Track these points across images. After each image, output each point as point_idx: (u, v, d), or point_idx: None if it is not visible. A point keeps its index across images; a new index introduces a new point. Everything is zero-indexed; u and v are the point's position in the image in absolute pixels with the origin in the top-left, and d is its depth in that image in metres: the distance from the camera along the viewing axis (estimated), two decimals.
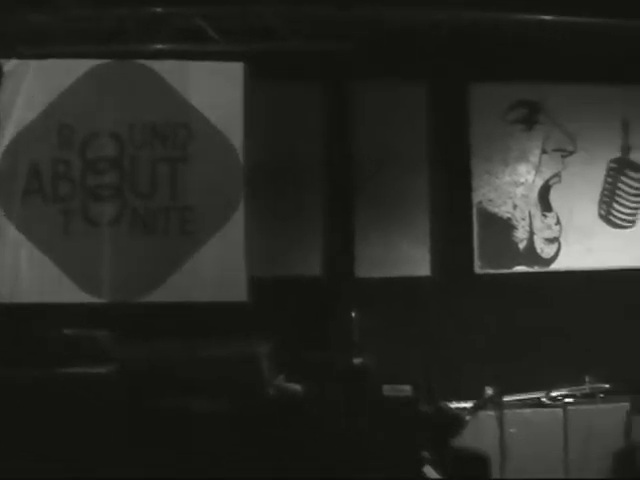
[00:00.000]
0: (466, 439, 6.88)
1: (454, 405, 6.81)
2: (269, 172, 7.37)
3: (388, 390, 6.36)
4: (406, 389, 6.36)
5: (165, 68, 7.38)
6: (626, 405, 7.40)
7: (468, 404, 6.78)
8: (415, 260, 7.66)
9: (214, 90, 7.45)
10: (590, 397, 7.28)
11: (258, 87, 7.35)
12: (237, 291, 7.27)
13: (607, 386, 7.29)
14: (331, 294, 7.41)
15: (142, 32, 7.15)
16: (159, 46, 7.25)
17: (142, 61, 7.36)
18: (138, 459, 5.74)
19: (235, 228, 7.31)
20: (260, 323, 6.93)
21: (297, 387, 6.51)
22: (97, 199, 7.34)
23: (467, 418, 6.67)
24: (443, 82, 7.75)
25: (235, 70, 7.42)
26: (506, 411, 6.80)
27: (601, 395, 7.28)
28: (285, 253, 7.44)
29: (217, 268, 7.34)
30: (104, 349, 6.38)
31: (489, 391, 6.71)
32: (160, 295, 7.26)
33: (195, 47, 7.29)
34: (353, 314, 6.50)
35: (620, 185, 7.97)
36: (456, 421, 6.56)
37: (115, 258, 7.28)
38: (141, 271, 7.30)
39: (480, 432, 6.80)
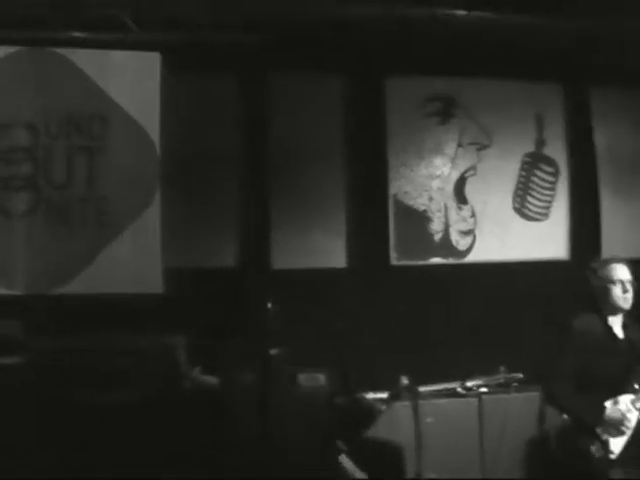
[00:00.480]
0: (381, 429, 6.95)
1: (369, 395, 6.83)
2: (185, 163, 7.31)
3: (303, 380, 6.39)
4: (321, 378, 6.39)
5: (81, 57, 7.26)
6: (539, 394, 7.54)
7: (383, 394, 6.81)
8: (331, 252, 7.68)
9: (131, 80, 7.37)
10: (504, 387, 7.37)
11: (175, 78, 7.29)
12: (152, 283, 7.20)
13: (521, 376, 7.39)
14: (247, 285, 7.38)
15: (58, 20, 7.04)
16: (75, 34, 7.15)
17: (57, 49, 7.25)
18: (48, 452, 5.69)
19: (151, 219, 7.25)
20: (176, 315, 6.90)
21: (213, 379, 6.50)
22: (10, 190, 7.22)
23: (382, 408, 6.71)
24: (360, 75, 7.79)
25: (152, 60, 7.35)
26: (421, 401, 6.80)
27: (515, 385, 7.38)
28: (201, 245, 7.39)
29: (132, 260, 7.26)
30: (17, 341, 6.32)
31: (404, 381, 6.75)
32: (75, 287, 7.15)
33: (112, 36, 7.21)
34: (269, 305, 6.48)
35: (534, 179, 8.09)
36: (371, 411, 6.60)
37: (29, 249, 7.16)
38: (56, 262, 7.18)
39: (395, 422, 6.83)
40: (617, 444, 5.40)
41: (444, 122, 7.91)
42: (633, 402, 5.43)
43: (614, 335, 5.60)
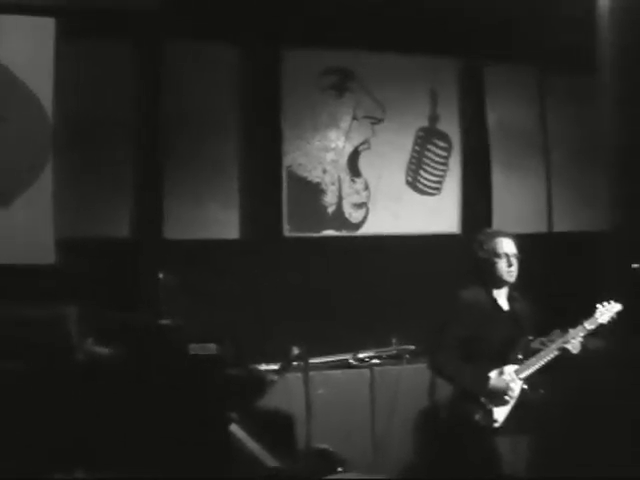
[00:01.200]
0: (273, 400, 6.98)
1: (262, 366, 6.85)
2: (79, 131, 7.17)
3: (195, 349, 6.37)
4: (213, 348, 6.38)
5: None
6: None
7: (275, 365, 6.83)
8: (224, 223, 7.62)
9: (23, 46, 7.16)
10: (396, 358, 7.44)
11: (69, 44, 7.14)
12: (44, 253, 7.10)
13: (413, 348, 7.45)
14: (140, 256, 7.33)
15: None
16: None
17: None
18: None
19: (42, 189, 7.09)
20: (68, 285, 6.81)
21: (106, 350, 6.44)
22: None
23: (274, 379, 6.74)
24: (256, 46, 7.74)
25: (46, 26, 7.17)
26: (313, 372, 6.84)
27: (407, 356, 7.43)
28: (94, 215, 7.25)
29: (24, 230, 7.10)
30: None
31: (295, 352, 6.75)
32: None
33: (4, 1, 7.04)
34: (161, 276, 6.44)
35: (427, 153, 8.18)
36: (262, 382, 6.61)
37: None
38: None
39: (287, 393, 6.86)
40: (501, 413, 5.55)
41: (339, 95, 7.92)
42: (517, 372, 5.58)
43: (499, 307, 5.73)
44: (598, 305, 5.71)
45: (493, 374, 5.56)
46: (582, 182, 8.74)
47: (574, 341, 5.61)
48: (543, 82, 8.65)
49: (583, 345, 5.66)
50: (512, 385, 5.55)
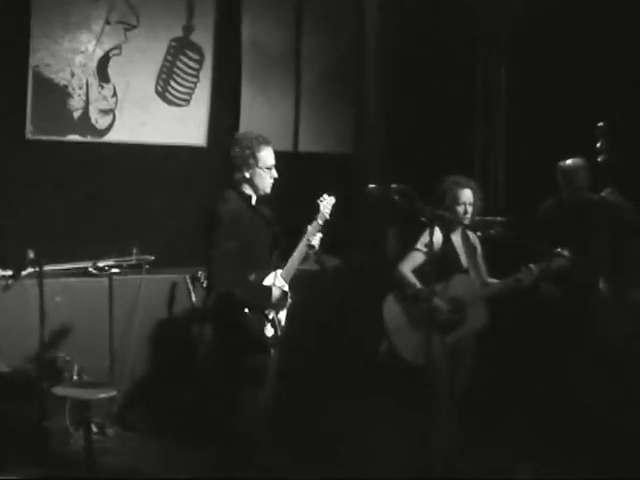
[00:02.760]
0: (8, 306, 6.83)
1: None
2: None
3: None
4: None
5: None
6: (170, 277, 7.72)
7: (9, 270, 6.63)
8: None
9: None
10: (136, 268, 7.41)
11: None
12: None
13: (152, 258, 7.44)
14: None
15: None
16: None
17: None
18: None
19: None
20: None
21: None
22: None
23: (8, 284, 6.57)
24: None
25: None
26: (51, 280, 6.70)
27: (147, 267, 7.44)
28: None
29: None
30: None
31: (30, 256, 6.54)
32: None
33: None
34: None
35: (179, 64, 8.04)
36: None
37: None
38: None
39: (22, 300, 6.73)
40: (282, 318, 5.69)
41: None
42: (283, 276, 5.71)
43: (259, 215, 5.71)
44: (318, 201, 5.89)
45: (269, 282, 5.64)
46: (329, 106, 8.98)
47: (315, 237, 5.83)
48: (301, 5, 8.74)
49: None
50: (285, 289, 5.69)
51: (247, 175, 5.60)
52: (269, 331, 5.61)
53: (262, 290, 5.60)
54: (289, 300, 5.74)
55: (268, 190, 5.69)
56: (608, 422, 6.64)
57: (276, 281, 5.67)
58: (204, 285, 7.58)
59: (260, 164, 5.60)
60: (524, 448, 6.67)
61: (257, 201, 5.70)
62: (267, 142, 5.66)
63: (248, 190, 5.65)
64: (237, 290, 5.47)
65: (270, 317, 5.63)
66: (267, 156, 5.63)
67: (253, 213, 5.65)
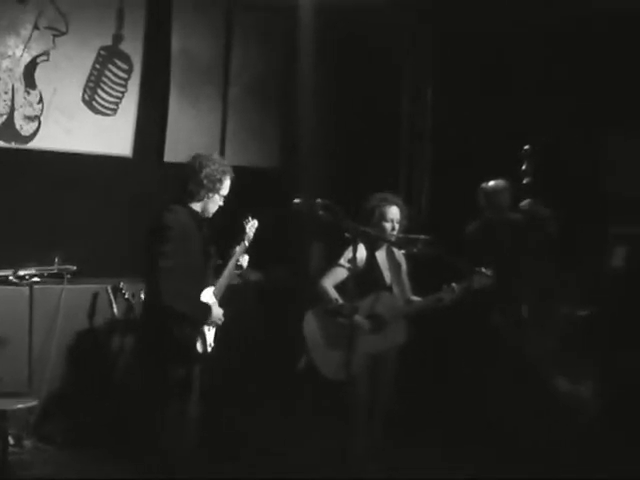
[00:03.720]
0: None
1: None
2: None
3: None
4: None
5: None
6: (91, 287, 7.65)
7: None
8: None
9: None
10: (58, 277, 7.34)
11: None
12: None
13: (75, 268, 7.38)
14: None
15: None
16: None
17: None
18: None
19: None
20: None
21: None
22: None
23: None
24: None
25: None
26: None
27: (68, 276, 7.37)
28: None
29: None
30: None
31: None
32: None
33: None
34: None
35: (107, 73, 7.95)
36: None
37: None
38: None
39: None
40: (211, 336, 5.71)
41: (23, 1, 7.49)
42: (215, 294, 5.76)
43: (199, 230, 5.71)
44: (244, 223, 6.08)
45: (207, 299, 5.67)
46: (256, 120, 9.00)
47: (243, 257, 6.01)
48: (231, 17, 8.76)
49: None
50: (217, 307, 5.73)
51: (204, 195, 5.65)
52: (199, 346, 5.63)
53: (202, 306, 5.63)
54: (222, 318, 5.75)
55: (211, 215, 5.75)
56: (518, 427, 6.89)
57: (209, 299, 5.71)
58: (126, 296, 7.58)
59: (222, 191, 5.68)
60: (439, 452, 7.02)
61: (200, 220, 5.73)
62: (232, 174, 5.75)
63: (197, 208, 5.68)
64: (180, 304, 5.45)
65: (203, 333, 5.65)
66: (227, 186, 5.72)
67: (198, 231, 5.67)
